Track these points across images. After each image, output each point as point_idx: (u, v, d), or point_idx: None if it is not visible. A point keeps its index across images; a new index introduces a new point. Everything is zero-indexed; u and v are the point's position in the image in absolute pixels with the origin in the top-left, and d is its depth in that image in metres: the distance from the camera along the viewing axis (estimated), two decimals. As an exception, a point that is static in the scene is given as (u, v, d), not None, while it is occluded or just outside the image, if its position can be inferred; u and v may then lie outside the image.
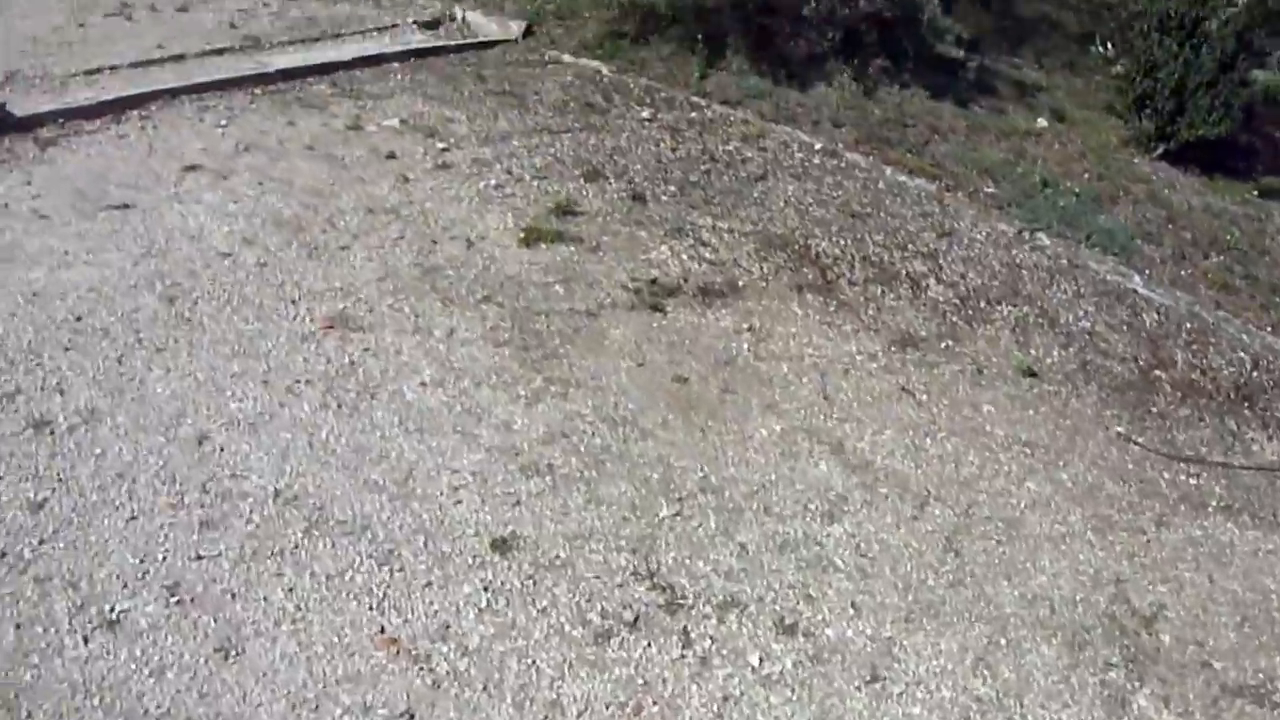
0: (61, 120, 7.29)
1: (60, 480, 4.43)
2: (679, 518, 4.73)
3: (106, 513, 4.33)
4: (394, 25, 9.65)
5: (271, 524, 4.37)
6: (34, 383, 4.90)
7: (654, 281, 6.10)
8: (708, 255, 6.43)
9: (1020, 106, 9.61)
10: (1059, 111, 9.64)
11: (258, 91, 8.06)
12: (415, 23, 9.70)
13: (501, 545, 4.42)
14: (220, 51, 8.80)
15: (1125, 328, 6.81)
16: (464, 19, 9.84)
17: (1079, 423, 5.93)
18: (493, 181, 6.91)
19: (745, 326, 5.97)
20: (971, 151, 8.42)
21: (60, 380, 4.93)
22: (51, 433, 4.65)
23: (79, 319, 5.34)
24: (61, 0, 9.81)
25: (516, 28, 9.63)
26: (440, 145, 7.29)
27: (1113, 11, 12.13)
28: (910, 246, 7.01)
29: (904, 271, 6.74)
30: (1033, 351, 6.39)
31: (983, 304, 6.68)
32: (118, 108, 7.56)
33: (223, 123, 7.48)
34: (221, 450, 4.68)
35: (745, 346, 5.83)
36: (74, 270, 5.69)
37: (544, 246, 6.25)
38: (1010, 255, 7.26)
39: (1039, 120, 9.37)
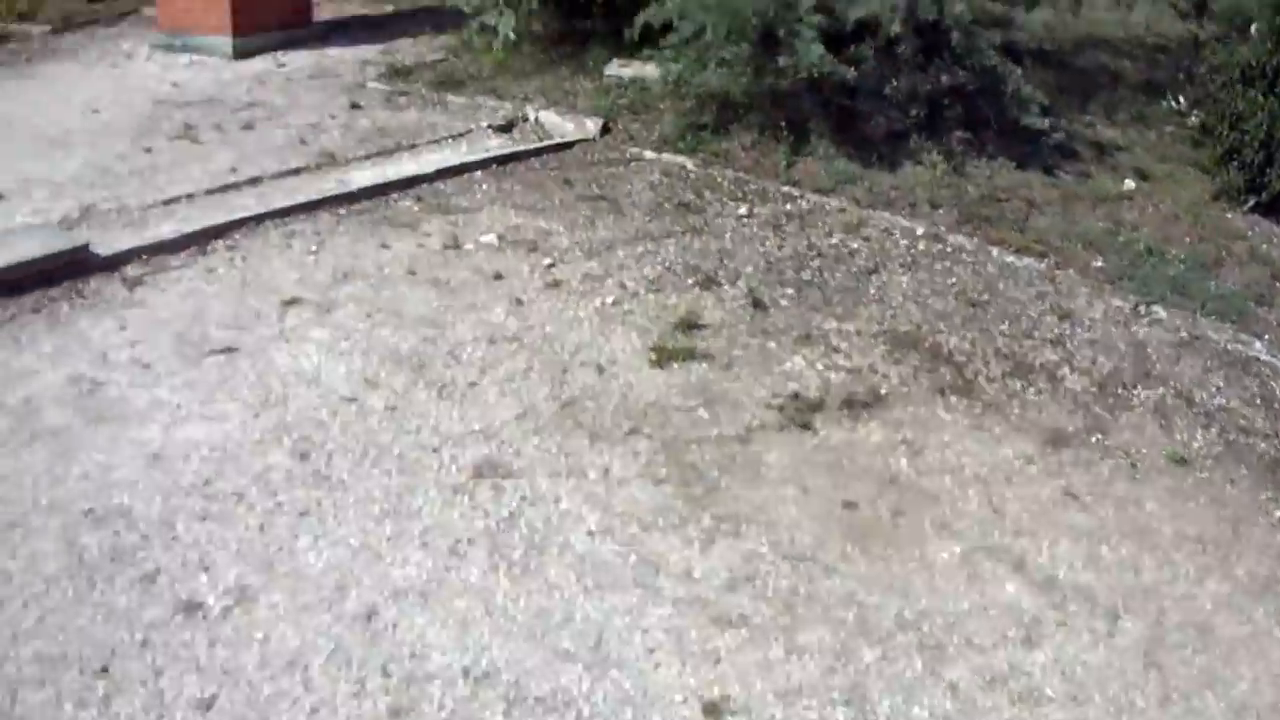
0: (146, 256, 7.08)
1: (225, 672, 4.15)
2: (884, 661, 4.47)
3: (284, 706, 4.06)
4: (468, 131, 9.45)
5: (467, 707, 4.10)
6: (175, 560, 4.64)
7: (796, 396, 5.86)
8: (842, 363, 6.19)
9: (1103, 168, 9.42)
10: (1142, 170, 9.45)
11: (342, 212, 7.86)
12: (489, 127, 9.51)
13: (714, 711, 4.16)
14: (297, 171, 8.60)
15: (1259, 401, 6.60)
16: (537, 119, 9.66)
17: (1239, 510, 5.69)
18: (610, 299, 6.68)
19: (899, 439, 5.73)
20: (1071, 224, 8.23)
21: (202, 556, 4.67)
22: (204, 617, 4.38)
23: (208, 483, 5.08)
24: (123, 125, 9.64)
25: (593, 126, 9.44)
26: (546, 261, 7.08)
27: (1170, 56, 12.01)
28: (1036, 334, 6.80)
29: (1037, 362, 6.51)
30: (1177, 436, 6.16)
31: (1119, 389, 6.45)
32: (202, 239, 7.35)
33: (313, 249, 7.27)
34: (394, 626, 4.42)
35: (904, 462, 5.58)
36: (191, 426, 5.44)
37: (676, 366, 6.01)
38: (1131, 333, 7.05)
39: (1126, 182, 9.18)
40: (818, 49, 8.17)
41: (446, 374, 5.86)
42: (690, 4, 8.60)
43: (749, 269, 7.12)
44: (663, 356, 5.99)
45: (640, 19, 9.23)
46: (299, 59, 12.22)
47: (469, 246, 7.26)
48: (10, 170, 8.61)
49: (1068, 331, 6.86)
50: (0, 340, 6.13)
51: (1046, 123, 8.99)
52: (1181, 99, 10.36)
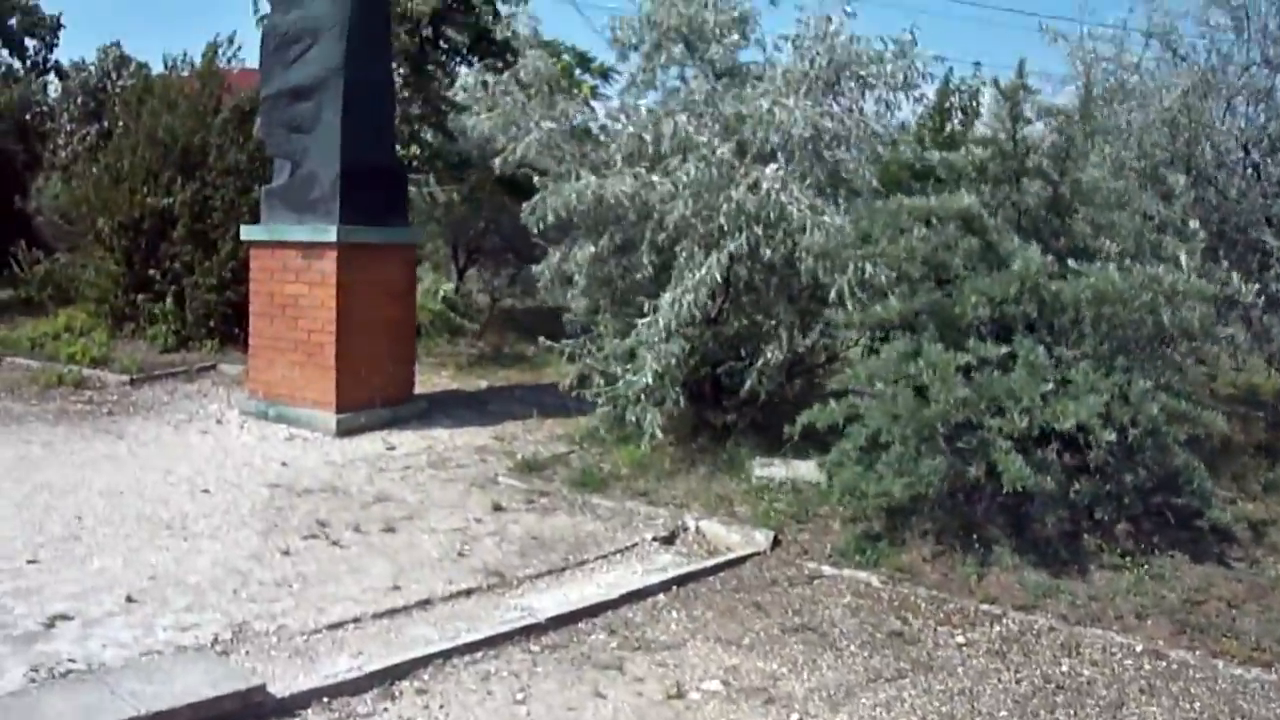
0: (327, 699, 6.61)
1: None
2: None
3: None
4: (633, 544, 9.22)
5: None
6: None
7: None
8: (1157, 824, 5.85)
9: (1265, 549, 9.40)
10: (1299, 547, 9.37)
11: (534, 648, 7.49)
12: (654, 539, 9.28)
13: None
14: (469, 592, 8.28)
15: None
16: (699, 529, 9.46)
17: None
18: (894, 766, 6.32)
19: None
20: (1274, 622, 8.07)
21: None
22: None
23: None
24: (244, 513, 9.34)
25: (762, 539, 9.22)
26: (794, 717, 6.74)
27: (1267, 411, 12.16)
28: (1302, 761, 6.51)
29: (1325, 796, 6.21)
30: None
31: None
32: (384, 679, 6.90)
33: (519, 698, 6.86)
34: None
35: None
36: None
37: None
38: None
39: (1293, 565, 9.08)
40: (1017, 460, 8.08)
41: None
42: (874, 410, 8.50)
43: (1002, 712, 6.81)
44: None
45: (802, 420, 9.15)
46: (408, 440, 12.05)
47: (695, 696, 6.90)
48: (131, 562, 8.26)
49: (1328, 751, 6.57)
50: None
51: (1228, 516, 8.88)
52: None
